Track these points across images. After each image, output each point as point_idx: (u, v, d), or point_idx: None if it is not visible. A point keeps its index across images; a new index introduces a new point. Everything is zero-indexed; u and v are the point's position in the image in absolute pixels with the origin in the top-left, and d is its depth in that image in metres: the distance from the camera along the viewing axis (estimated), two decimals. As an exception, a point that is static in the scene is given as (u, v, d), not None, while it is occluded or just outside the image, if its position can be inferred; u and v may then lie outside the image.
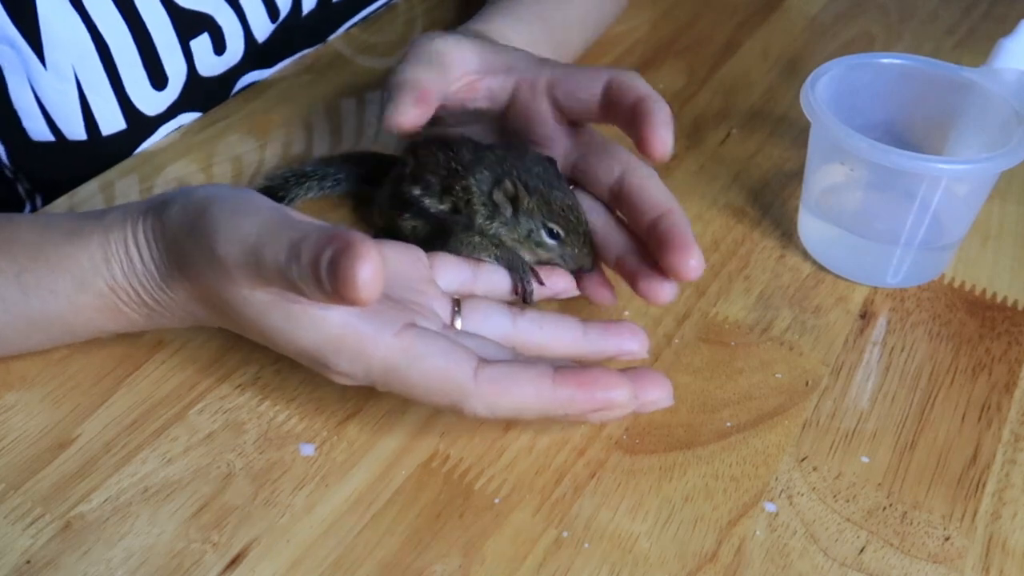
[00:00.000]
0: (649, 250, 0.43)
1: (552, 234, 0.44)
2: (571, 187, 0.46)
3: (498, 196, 0.44)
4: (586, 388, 0.36)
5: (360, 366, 0.36)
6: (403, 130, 0.45)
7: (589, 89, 0.45)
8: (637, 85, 0.43)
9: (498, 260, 0.45)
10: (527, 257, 0.45)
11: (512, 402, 0.36)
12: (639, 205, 0.43)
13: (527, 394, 0.36)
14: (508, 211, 0.44)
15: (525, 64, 0.48)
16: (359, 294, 0.32)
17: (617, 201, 0.45)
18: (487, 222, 0.44)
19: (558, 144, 0.47)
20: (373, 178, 0.51)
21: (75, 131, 0.54)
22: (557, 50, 0.58)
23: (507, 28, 0.56)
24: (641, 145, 0.42)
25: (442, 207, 0.45)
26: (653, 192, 0.43)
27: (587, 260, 0.45)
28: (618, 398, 0.36)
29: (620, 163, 0.45)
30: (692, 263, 0.41)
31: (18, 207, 0.60)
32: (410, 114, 0.45)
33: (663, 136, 0.42)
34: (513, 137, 0.48)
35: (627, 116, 0.43)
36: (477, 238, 0.45)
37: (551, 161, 0.45)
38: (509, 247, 0.45)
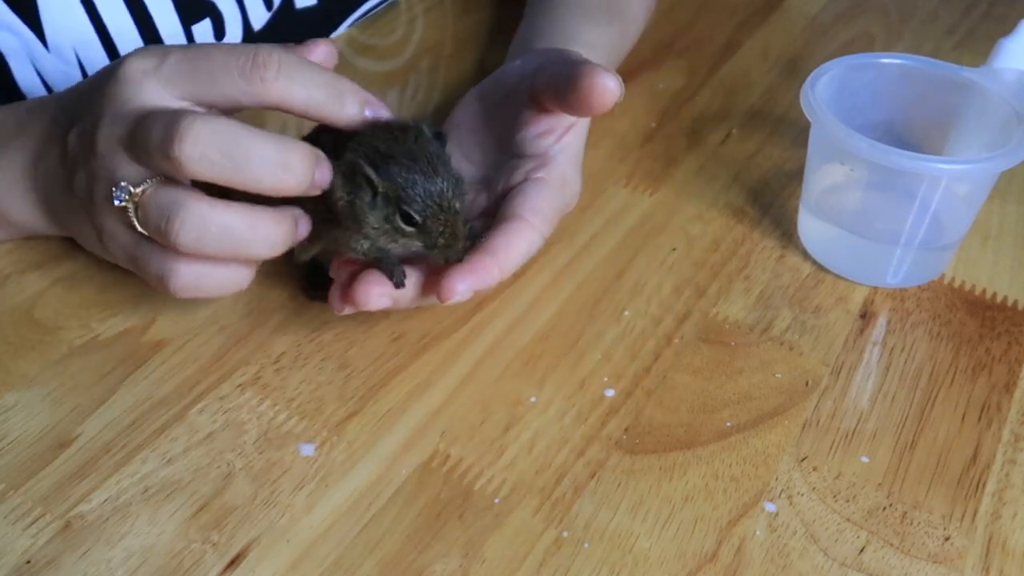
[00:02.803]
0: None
1: (408, 219, 0.40)
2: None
3: (357, 178, 0.40)
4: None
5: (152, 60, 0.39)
6: None
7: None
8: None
9: (365, 255, 0.42)
10: (393, 247, 0.41)
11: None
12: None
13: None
14: (367, 195, 0.40)
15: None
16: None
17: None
18: (350, 203, 0.40)
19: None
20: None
21: None
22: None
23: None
24: (583, 93, 0.41)
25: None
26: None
27: (452, 252, 0.41)
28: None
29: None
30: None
31: None
32: None
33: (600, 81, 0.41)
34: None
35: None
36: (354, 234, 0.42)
37: (439, 137, 0.42)
38: (374, 238, 0.41)
